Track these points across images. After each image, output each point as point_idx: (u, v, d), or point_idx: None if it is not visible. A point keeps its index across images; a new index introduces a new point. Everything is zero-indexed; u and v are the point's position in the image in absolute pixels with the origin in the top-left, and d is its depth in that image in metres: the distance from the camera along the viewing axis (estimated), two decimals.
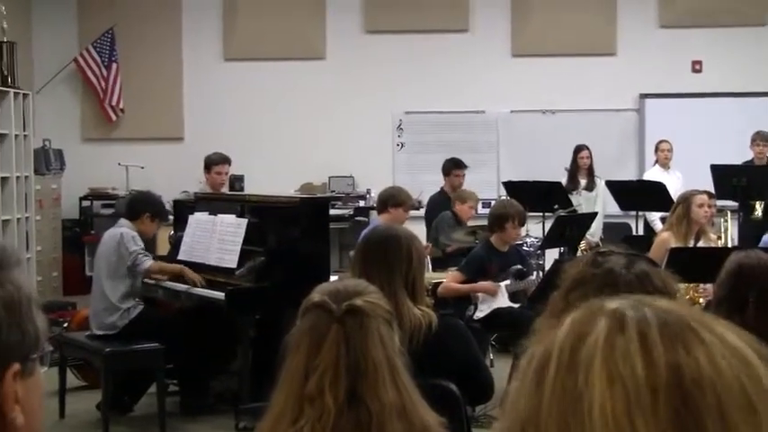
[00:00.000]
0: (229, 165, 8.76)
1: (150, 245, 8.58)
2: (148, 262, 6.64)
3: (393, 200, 7.27)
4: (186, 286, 6.70)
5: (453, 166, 9.76)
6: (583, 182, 10.26)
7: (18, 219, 9.46)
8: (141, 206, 6.87)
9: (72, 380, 7.11)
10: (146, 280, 6.87)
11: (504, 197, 9.22)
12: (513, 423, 0.97)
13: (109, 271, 6.63)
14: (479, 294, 6.93)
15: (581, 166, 10.32)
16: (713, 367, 0.91)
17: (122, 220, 6.85)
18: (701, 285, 6.46)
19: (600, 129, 11.74)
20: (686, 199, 7.15)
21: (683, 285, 6.63)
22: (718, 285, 3.26)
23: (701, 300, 6.38)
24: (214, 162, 8.61)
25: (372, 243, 3.71)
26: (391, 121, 12.26)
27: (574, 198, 9.62)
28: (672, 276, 2.54)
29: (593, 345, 0.94)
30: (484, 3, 12.18)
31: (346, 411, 2.16)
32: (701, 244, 7.09)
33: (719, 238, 7.81)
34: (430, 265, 8.22)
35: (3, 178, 9.15)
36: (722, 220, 8.49)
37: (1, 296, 1.13)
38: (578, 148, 10.39)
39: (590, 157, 10.35)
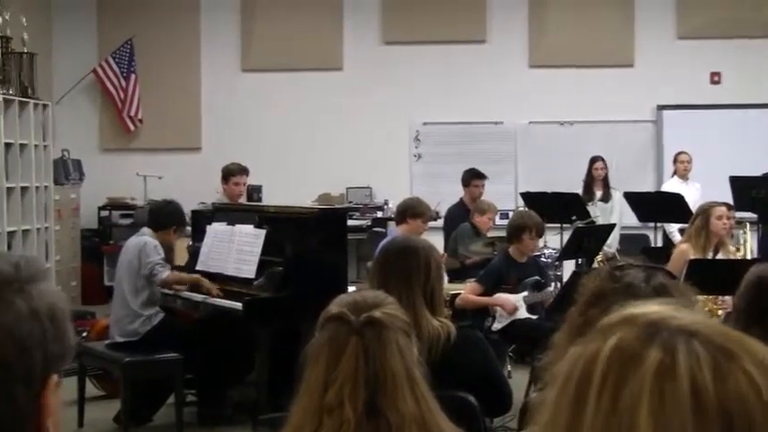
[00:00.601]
0: (247, 175, 8.78)
1: (168, 255, 8.62)
2: (165, 272, 6.66)
3: (411, 210, 7.26)
4: (204, 296, 6.71)
5: (473, 177, 9.75)
6: (598, 193, 10.23)
7: (38, 229, 9.51)
8: (170, 219, 6.88)
9: (91, 389, 7.13)
10: (164, 290, 6.88)
11: (522, 208, 9.21)
12: None
13: (130, 279, 6.65)
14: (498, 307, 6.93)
15: (596, 178, 10.28)
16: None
17: (145, 229, 6.87)
18: (720, 297, 6.43)
19: (618, 140, 11.72)
20: (705, 211, 7.12)
21: (701, 297, 6.61)
22: (737, 297, 3.24)
23: (720, 312, 6.35)
24: (232, 173, 8.63)
25: (391, 254, 3.71)
26: (409, 131, 12.27)
27: (590, 209, 9.59)
28: (690, 289, 2.53)
29: (639, 386, 0.92)
30: (502, 14, 12.18)
31: (365, 423, 2.16)
32: (720, 256, 7.06)
33: (738, 250, 7.77)
34: (446, 277, 8.21)
35: (23, 188, 9.20)
36: (741, 231, 8.45)
37: (42, 308, 1.15)
38: (593, 159, 10.37)
39: (605, 168, 10.31)
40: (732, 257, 7.15)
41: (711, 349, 0.93)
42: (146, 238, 6.72)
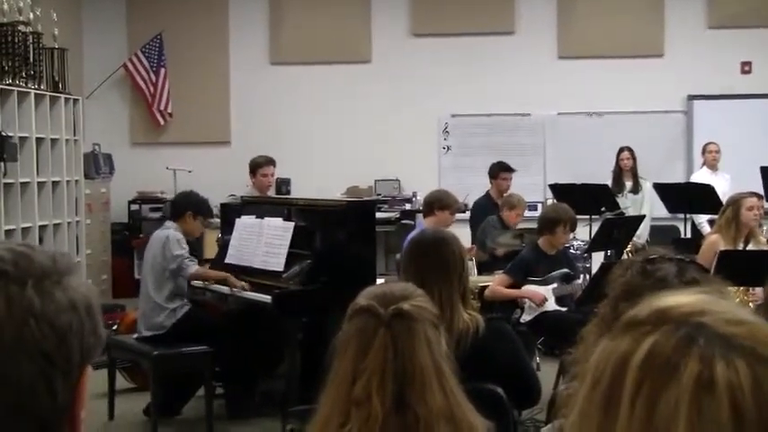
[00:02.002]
0: (274, 167, 8.82)
1: (198, 247, 8.66)
2: (193, 267, 6.68)
3: (439, 203, 7.26)
4: (234, 288, 6.73)
5: (501, 170, 9.72)
6: (628, 184, 10.16)
7: (69, 223, 9.58)
8: (182, 205, 6.92)
9: (121, 382, 7.18)
10: (194, 283, 6.91)
11: (551, 200, 9.17)
12: None
13: (155, 272, 6.68)
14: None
15: (623, 168, 10.21)
16: None
17: (168, 222, 6.92)
18: (752, 289, 6.38)
19: (647, 131, 11.65)
20: (735, 202, 7.07)
21: (732, 289, 6.56)
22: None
23: (751, 304, 6.31)
24: (259, 165, 8.68)
25: (426, 247, 3.69)
26: (437, 123, 12.26)
27: (620, 201, 9.54)
28: (722, 283, 2.51)
29: (676, 398, 0.91)
30: (530, 5, 12.14)
31: (393, 415, 2.16)
32: (750, 247, 7.00)
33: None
34: (475, 269, 8.20)
35: (54, 182, 9.27)
36: None
37: (81, 300, 1.17)
38: (620, 150, 10.31)
39: (631, 158, 10.22)
40: (763, 248, 7.10)
41: (749, 358, 0.92)
42: (169, 231, 6.74)
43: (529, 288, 6.89)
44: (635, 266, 2.51)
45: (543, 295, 6.87)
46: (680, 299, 0.98)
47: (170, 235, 6.68)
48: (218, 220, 8.29)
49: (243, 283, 6.65)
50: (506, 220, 8.70)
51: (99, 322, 1.20)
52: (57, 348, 1.13)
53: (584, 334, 2.35)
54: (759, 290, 5.87)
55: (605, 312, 2.40)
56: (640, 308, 1.00)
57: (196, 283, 6.92)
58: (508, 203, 8.82)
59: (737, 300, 6.30)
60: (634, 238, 8.80)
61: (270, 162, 8.75)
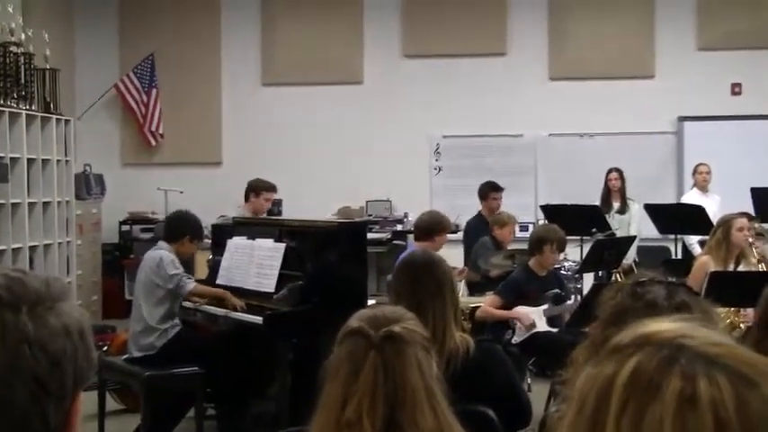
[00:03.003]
0: (276, 192, 8.86)
1: (189, 269, 8.63)
2: (191, 284, 6.68)
3: (439, 226, 7.19)
4: (225, 310, 6.72)
5: (490, 190, 9.74)
6: (615, 205, 10.19)
7: (59, 243, 9.56)
8: (181, 229, 6.88)
9: (111, 403, 7.15)
10: (185, 303, 6.89)
11: (543, 221, 9.19)
12: None
13: (147, 294, 6.65)
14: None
15: (611, 189, 10.24)
16: None
17: (161, 243, 6.87)
18: (743, 310, 6.39)
19: (638, 152, 11.69)
20: (726, 222, 7.08)
21: (722, 310, 6.57)
22: (759, 309, 3.23)
23: (743, 325, 6.31)
24: (265, 188, 8.66)
25: (420, 269, 3.68)
26: (429, 144, 12.28)
27: (608, 221, 9.56)
28: (712, 305, 2.51)
29: (660, 415, 0.91)
30: (521, 26, 12.19)
31: None
32: (741, 268, 7.01)
33: (760, 261, 7.72)
34: (466, 290, 8.20)
35: (44, 203, 9.25)
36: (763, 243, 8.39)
37: (74, 325, 1.17)
38: (608, 171, 10.33)
39: (620, 178, 10.24)
40: (754, 269, 7.11)
41: (731, 376, 0.93)
42: (162, 252, 6.71)
43: (519, 310, 6.89)
44: (625, 289, 2.52)
45: (532, 319, 6.87)
46: (662, 325, 0.99)
47: (163, 256, 6.65)
48: (209, 242, 8.27)
49: (241, 303, 6.64)
50: (500, 239, 8.71)
51: (91, 347, 1.20)
52: (50, 374, 1.13)
53: (574, 356, 2.35)
54: (750, 310, 5.88)
55: (595, 335, 2.40)
56: (623, 335, 1.01)
57: (187, 303, 6.90)
58: (498, 222, 8.84)
59: (728, 321, 6.31)
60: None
61: (274, 188, 8.78)
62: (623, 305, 2.43)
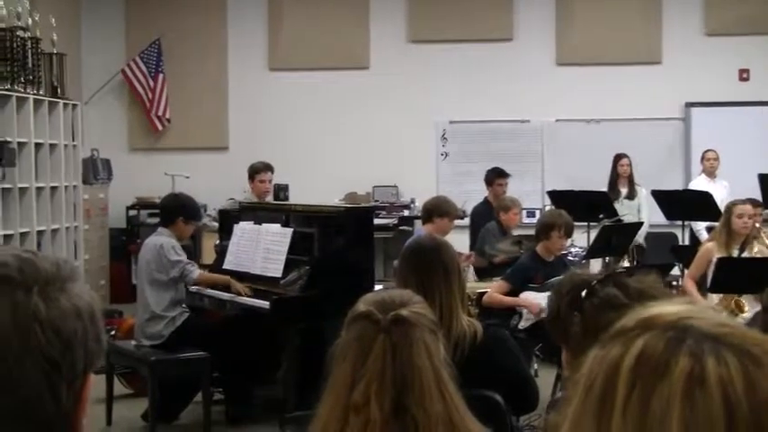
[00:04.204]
0: (272, 172, 8.84)
1: (195, 253, 8.65)
2: (196, 272, 6.68)
3: (438, 210, 7.25)
4: (231, 295, 6.73)
5: (496, 176, 9.73)
6: (623, 191, 10.18)
7: (67, 228, 9.58)
8: (174, 211, 6.86)
9: (119, 387, 7.17)
10: (191, 288, 6.90)
11: (550, 207, 9.18)
12: None
13: (150, 281, 6.65)
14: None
15: (621, 174, 10.23)
16: None
17: (160, 229, 6.85)
18: (745, 303, 6.39)
19: (645, 138, 11.66)
20: (728, 209, 7.06)
21: (715, 297, 6.57)
22: (765, 295, 3.22)
23: (744, 314, 6.29)
24: (257, 170, 8.71)
25: (427, 254, 3.68)
26: (435, 130, 12.27)
27: (616, 207, 9.56)
28: (660, 283, 2.54)
29: (668, 395, 0.91)
30: (528, 11, 12.16)
31: (392, 421, 2.16)
32: (746, 254, 6.98)
33: None
34: (474, 275, 8.20)
35: (52, 188, 9.26)
36: None
37: (84, 307, 1.17)
38: (618, 157, 10.33)
39: (630, 165, 10.26)
40: (758, 255, 7.07)
41: (739, 355, 0.93)
42: (162, 238, 6.70)
43: (527, 297, 6.88)
44: (585, 309, 2.51)
45: (539, 305, 6.86)
46: (666, 308, 0.99)
47: (164, 243, 6.64)
48: (216, 225, 8.29)
49: (246, 288, 6.64)
50: (506, 224, 8.69)
51: (102, 329, 1.21)
52: (62, 355, 1.13)
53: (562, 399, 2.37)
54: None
55: (573, 365, 2.39)
56: (627, 318, 1.01)
57: (193, 288, 6.92)
58: (502, 206, 8.82)
59: (728, 308, 6.31)
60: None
61: (268, 168, 8.77)
62: (590, 326, 2.43)
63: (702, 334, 0.95)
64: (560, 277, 7.04)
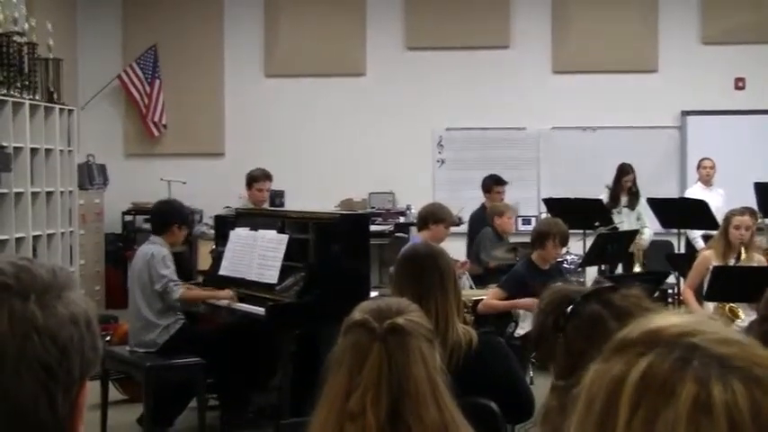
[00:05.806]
0: (271, 181, 8.83)
1: (190, 260, 8.63)
2: (178, 292, 6.54)
3: (434, 216, 7.25)
4: (227, 301, 6.72)
5: (494, 183, 9.72)
6: (624, 200, 10.14)
7: (62, 233, 9.55)
8: (168, 218, 6.82)
9: (113, 393, 7.15)
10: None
11: (545, 214, 9.18)
12: None
13: (142, 289, 6.61)
14: (521, 311, 6.90)
15: (624, 188, 10.11)
16: None
17: (153, 237, 6.79)
18: (741, 310, 6.38)
19: (641, 146, 11.67)
20: (727, 218, 7.05)
21: (711, 305, 6.56)
22: (762, 304, 3.22)
23: (742, 316, 6.29)
24: (255, 179, 8.69)
25: (423, 262, 3.68)
26: (432, 137, 12.27)
27: (615, 216, 9.55)
28: (646, 295, 2.53)
29: (673, 420, 0.90)
30: (525, 19, 12.18)
31: (388, 430, 2.16)
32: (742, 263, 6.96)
33: (766, 255, 7.66)
34: (471, 282, 8.20)
35: (48, 193, 9.25)
36: (766, 239, 8.36)
37: (80, 314, 1.17)
38: (624, 171, 10.13)
39: (635, 180, 10.14)
40: (754, 264, 7.05)
41: (745, 381, 0.92)
42: (153, 247, 6.64)
43: (523, 299, 6.87)
44: (569, 329, 2.50)
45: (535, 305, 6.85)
46: (670, 319, 0.98)
47: (155, 252, 6.58)
48: (212, 232, 8.27)
49: (231, 293, 6.62)
50: (500, 228, 8.67)
51: (98, 336, 1.21)
52: (58, 362, 1.13)
53: (546, 407, 2.37)
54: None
55: (564, 386, 2.37)
56: (631, 329, 0.99)
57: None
58: (496, 211, 8.81)
59: (723, 315, 6.31)
60: (639, 241, 8.87)
61: (266, 176, 8.75)
62: (573, 348, 2.43)
63: (708, 355, 0.94)
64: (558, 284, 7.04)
